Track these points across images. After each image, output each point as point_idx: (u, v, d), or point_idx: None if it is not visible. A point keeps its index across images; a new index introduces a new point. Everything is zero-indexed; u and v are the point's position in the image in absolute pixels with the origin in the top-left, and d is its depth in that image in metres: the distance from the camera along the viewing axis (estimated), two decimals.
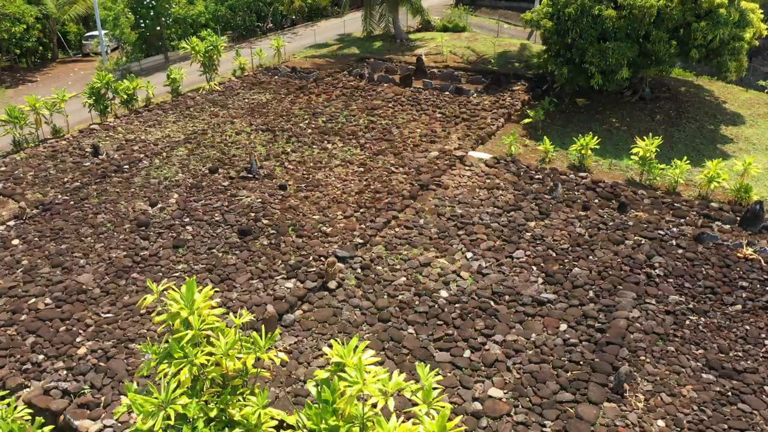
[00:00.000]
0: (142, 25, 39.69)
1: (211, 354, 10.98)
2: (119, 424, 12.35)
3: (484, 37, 41.40)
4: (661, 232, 19.05)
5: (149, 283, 11.05)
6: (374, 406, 10.07)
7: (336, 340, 11.01)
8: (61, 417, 12.59)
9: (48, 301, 16.25)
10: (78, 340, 14.81)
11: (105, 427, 12.33)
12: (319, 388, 10.51)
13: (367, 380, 9.81)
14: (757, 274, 17.09)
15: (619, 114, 28.62)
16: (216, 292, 16.49)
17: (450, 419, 9.79)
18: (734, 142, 26.10)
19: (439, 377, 11.52)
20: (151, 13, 38.87)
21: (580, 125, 27.38)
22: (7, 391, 13.06)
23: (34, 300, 16.26)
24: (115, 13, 39.86)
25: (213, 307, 11.85)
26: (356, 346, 10.76)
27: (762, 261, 17.66)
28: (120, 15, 40.01)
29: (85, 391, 13.27)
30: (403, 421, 10.23)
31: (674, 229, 19.25)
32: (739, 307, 15.88)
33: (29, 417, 11.66)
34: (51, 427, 11.71)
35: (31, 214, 20.62)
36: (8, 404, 11.43)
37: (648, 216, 20.01)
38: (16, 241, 19.08)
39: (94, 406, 12.85)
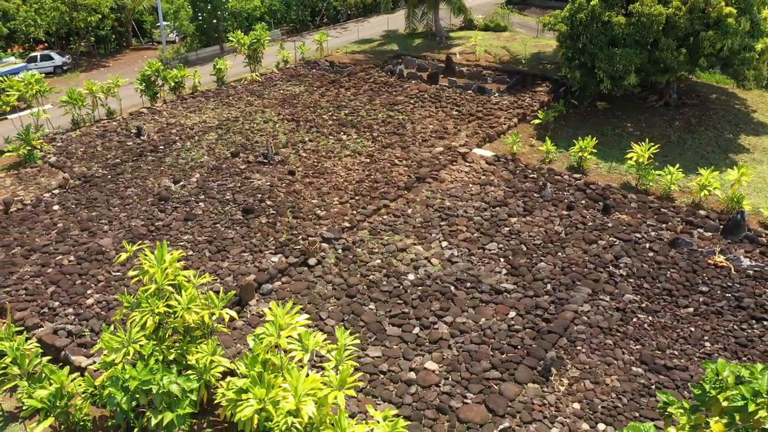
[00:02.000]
0: (200, 18, 42.82)
1: (172, 307, 13.12)
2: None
3: (523, 36, 41.89)
4: (638, 235, 19.64)
5: (125, 244, 13.24)
6: (292, 359, 11.92)
7: (275, 302, 12.84)
8: (63, 353, 15.09)
9: (72, 258, 18.98)
10: (89, 292, 17.39)
11: (95, 362, 14.70)
12: (254, 341, 12.49)
13: (282, 335, 11.63)
14: (721, 280, 17.50)
15: (636, 119, 28.76)
16: (210, 261, 18.70)
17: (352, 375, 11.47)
18: (749, 152, 25.80)
19: (357, 341, 13.16)
20: (209, 7, 41.88)
21: (593, 128, 27.77)
22: (24, 329, 15.78)
23: (60, 257, 19.03)
24: (175, 6, 43.19)
25: (183, 268, 14.02)
26: (291, 309, 12.61)
27: (732, 269, 18.02)
28: (180, 8, 43.30)
29: (85, 333, 15.75)
30: (316, 373, 11.99)
31: (652, 233, 19.78)
32: (691, 310, 16.45)
33: (35, 349, 14.26)
34: (48, 357, 14.27)
35: (73, 184, 23.64)
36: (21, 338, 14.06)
37: (630, 219, 20.58)
38: (56, 207, 22.07)
39: (90, 345, 15.28)
